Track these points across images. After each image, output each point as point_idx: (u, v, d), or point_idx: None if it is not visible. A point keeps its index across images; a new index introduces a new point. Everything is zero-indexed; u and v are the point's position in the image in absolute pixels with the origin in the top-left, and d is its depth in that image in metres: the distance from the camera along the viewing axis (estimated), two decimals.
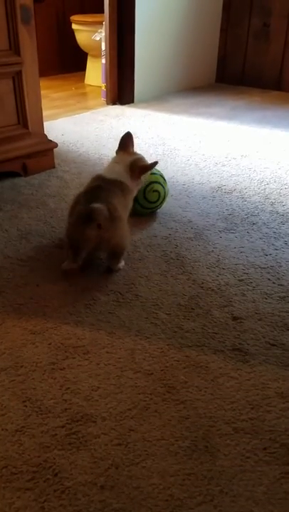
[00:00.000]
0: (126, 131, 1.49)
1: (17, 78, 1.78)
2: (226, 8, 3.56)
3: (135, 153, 1.48)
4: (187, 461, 0.81)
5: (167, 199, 1.68)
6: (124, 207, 1.33)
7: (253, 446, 0.84)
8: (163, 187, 1.61)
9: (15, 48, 1.74)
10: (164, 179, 1.64)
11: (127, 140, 1.48)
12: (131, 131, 1.50)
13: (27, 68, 1.79)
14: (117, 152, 1.48)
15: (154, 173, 1.60)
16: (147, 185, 1.57)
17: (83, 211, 1.22)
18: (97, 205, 1.20)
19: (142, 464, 0.80)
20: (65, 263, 1.31)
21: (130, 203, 1.42)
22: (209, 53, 3.67)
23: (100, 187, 1.29)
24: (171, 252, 1.43)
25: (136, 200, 1.54)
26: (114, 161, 1.45)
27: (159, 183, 1.60)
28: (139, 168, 1.40)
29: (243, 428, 0.87)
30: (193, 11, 3.33)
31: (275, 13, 3.37)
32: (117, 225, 1.25)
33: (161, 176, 1.63)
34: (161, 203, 1.64)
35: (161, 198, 1.62)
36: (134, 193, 1.45)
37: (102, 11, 2.95)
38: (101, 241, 1.24)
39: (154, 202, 1.61)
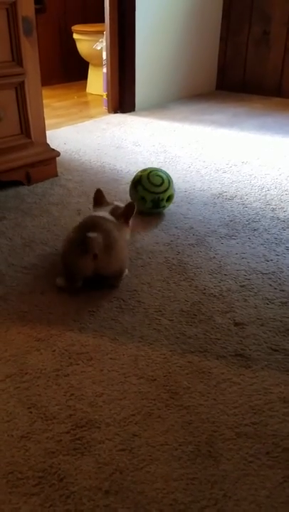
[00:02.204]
0: (96, 189, 1.45)
1: (20, 89, 1.81)
2: (226, 16, 3.60)
3: (110, 204, 1.43)
4: (191, 466, 0.82)
5: (171, 202, 1.72)
6: (119, 230, 1.31)
7: (256, 450, 0.84)
8: (168, 178, 1.68)
9: (17, 59, 1.77)
10: (171, 180, 1.70)
11: (98, 196, 1.44)
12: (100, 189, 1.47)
13: (29, 79, 1.82)
14: (94, 209, 1.44)
15: (161, 175, 1.66)
16: (150, 172, 1.67)
17: (78, 240, 1.21)
18: (92, 235, 1.18)
19: (146, 469, 0.81)
20: (59, 279, 1.29)
21: (126, 236, 1.39)
22: (210, 61, 3.71)
23: (94, 220, 1.28)
24: (173, 258, 1.44)
25: (140, 184, 1.65)
26: (95, 211, 1.41)
27: (161, 171, 1.69)
28: (122, 214, 1.37)
29: (246, 433, 0.88)
30: (193, 19, 3.36)
31: (275, 20, 3.41)
32: (113, 253, 1.23)
33: (168, 177, 1.70)
34: (164, 192, 1.66)
35: (164, 184, 1.65)
36: (128, 234, 1.41)
37: (103, 21, 2.99)
38: (97, 269, 1.23)
39: (158, 186, 1.65)
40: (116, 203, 1.44)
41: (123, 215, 1.37)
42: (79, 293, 1.27)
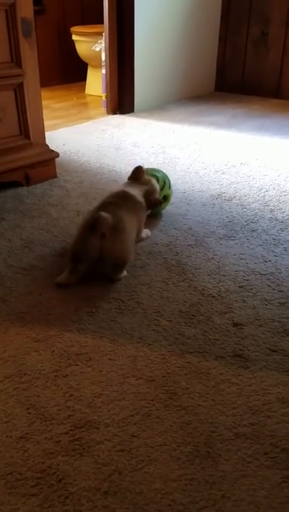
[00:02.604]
0: (136, 167, 1.56)
1: (19, 90, 1.81)
2: (225, 17, 3.61)
3: (148, 182, 1.55)
4: (189, 467, 0.82)
5: (169, 203, 1.72)
6: (132, 222, 1.36)
7: (254, 451, 0.85)
8: (163, 178, 1.68)
9: (16, 60, 1.77)
10: (168, 180, 1.71)
11: (137, 173, 1.55)
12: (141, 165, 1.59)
13: (28, 80, 1.82)
14: (129, 179, 1.56)
15: (156, 174, 1.66)
16: (147, 171, 1.66)
17: (89, 220, 1.27)
18: (103, 214, 1.23)
19: (144, 470, 0.81)
20: (61, 276, 1.30)
21: (141, 222, 1.47)
22: (208, 62, 3.71)
23: (112, 202, 1.36)
24: (172, 259, 1.44)
25: None
26: (131, 184, 1.52)
27: (158, 172, 1.70)
28: (150, 201, 1.49)
29: (244, 433, 0.88)
30: (192, 20, 3.37)
31: (274, 21, 3.42)
32: (120, 237, 1.27)
33: (166, 177, 1.70)
34: (160, 191, 1.66)
35: (160, 184, 1.66)
36: (144, 217, 1.51)
37: (101, 22, 3.00)
38: (102, 251, 1.25)
39: None
40: (151, 186, 1.54)
41: (150, 205, 1.49)
42: (78, 291, 1.27)
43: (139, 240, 1.48)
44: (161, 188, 1.67)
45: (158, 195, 1.56)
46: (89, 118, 3.08)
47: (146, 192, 1.48)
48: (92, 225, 1.24)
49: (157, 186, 1.57)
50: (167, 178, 1.71)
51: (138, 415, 0.91)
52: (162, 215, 1.73)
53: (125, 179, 1.88)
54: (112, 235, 1.24)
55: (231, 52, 3.69)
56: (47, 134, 2.02)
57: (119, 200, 1.38)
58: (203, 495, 0.78)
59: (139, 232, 1.45)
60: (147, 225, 1.65)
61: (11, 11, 1.69)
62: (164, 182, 1.68)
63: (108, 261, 1.28)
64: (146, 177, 1.56)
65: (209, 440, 0.86)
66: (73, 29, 3.69)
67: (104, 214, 1.24)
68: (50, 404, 0.93)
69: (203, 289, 1.30)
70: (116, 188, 1.49)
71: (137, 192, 1.45)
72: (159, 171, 1.72)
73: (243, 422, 0.90)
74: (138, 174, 1.54)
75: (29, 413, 0.91)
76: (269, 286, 1.31)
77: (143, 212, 1.47)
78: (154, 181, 1.56)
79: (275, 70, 3.53)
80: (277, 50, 3.48)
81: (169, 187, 1.71)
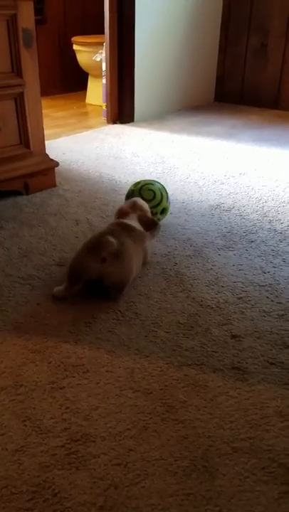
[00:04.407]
0: (119, 208, 1.48)
1: (19, 99, 1.82)
2: (224, 27, 3.64)
3: (134, 207, 1.48)
4: (186, 481, 0.81)
5: (166, 214, 1.71)
6: (136, 249, 1.33)
7: (252, 465, 0.84)
8: (160, 191, 1.66)
9: (17, 70, 1.78)
10: (166, 192, 1.69)
11: (121, 213, 1.46)
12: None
13: (29, 90, 1.83)
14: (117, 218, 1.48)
15: (153, 184, 1.66)
16: (143, 186, 1.66)
17: (93, 241, 1.25)
18: (109, 238, 1.21)
19: (141, 484, 0.80)
20: (58, 289, 1.29)
21: (146, 250, 1.43)
22: (208, 73, 3.74)
23: (115, 230, 1.31)
24: (170, 269, 1.44)
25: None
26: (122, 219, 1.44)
27: (153, 185, 1.68)
28: (146, 224, 1.42)
29: (242, 447, 0.87)
30: (192, 31, 3.40)
31: (273, 32, 3.44)
32: (121, 264, 1.24)
33: (162, 189, 1.69)
34: (157, 206, 1.65)
35: (156, 198, 1.64)
36: (149, 243, 1.46)
37: (102, 32, 3.02)
38: (101, 275, 1.23)
39: (150, 200, 1.63)
40: (138, 203, 1.48)
41: (147, 227, 1.42)
42: (76, 301, 1.26)
43: (144, 263, 1.44)
44: (159, 203, 1.65)
45: (149, 213, 1.51)
46: (89, 127, 3.09)
47: (140, 217, 1.43)
48: (94, 248, 1.22)
49: (144, 205, 1.52)
50: (164, 190, 1.69)
51: (135, 429, 0.90)
52: (161, 225, 1.73)
53: (125, 188, 1.88)
54: (114, 261, 1.22)
55: (231, 62, 3.72)
56: (47, 142, 2.03)
57: (123, 229, 1.33)
58: (199, 510, 0.77)
59: (145, 260, 1.43)
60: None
61: (12, 21, 1.70)
62: (162, 196, 1.66)
63: (107, 284, 1.26)
64: (130, 201, 1.50)
65: (206, 454, 0.86)
66: (74, 39, 3.72)
67: (110, 238, 1.22)
68: (47, 417, 0.92)
69: (202, 300, 1.30)
70: (109, 224, 1.42)
71: (133, 222, 1.40)
72: (155, 183, 1.70)
73: (241, 436, 0.89)
74: (123, 213, 1.45)
75: (25, 425, 0.91)
76: (268, 297, 1.31)
77: (146, 239, 1.42)
78: (139, 201, 1.51)
79: (274, 80, 3.55)
80: (276, 61, 3.50)
81: (167, 199, 1.70)
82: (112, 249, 1.21)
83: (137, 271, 1.36)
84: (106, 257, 1.21)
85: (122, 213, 1.44)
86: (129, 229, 1.35)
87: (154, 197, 1.64)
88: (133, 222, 1.40)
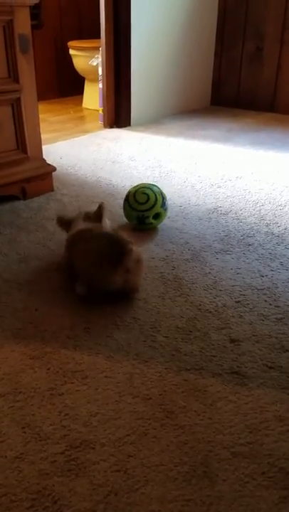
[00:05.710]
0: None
1: (16, 105, 1.82)
2: (220, 32, 3.65)
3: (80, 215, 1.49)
4: (186, 487, 0.81)
5: (162, 219, 1.72)
6: None
7: (252, 470, 0.84)
8: (155, 195, 1.66)
9: (14, 75, 1.78)
10: (163, 197, 1.69)
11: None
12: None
13: (25, 95, 1.83)
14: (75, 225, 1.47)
15: (150, 188, 1.67)
16: (139, 189, 1.68)
17: (109, 250, 1.15)
18: (132, 246, 1.13)
19: (141, 491, 0.80)
20: (81, 287, 1.25)
21: None
22: (204, 77, 3.75)
23: (117, 232, 1.27)
24: (168, 273, 1.44)
25: (127, 201, 1.68)
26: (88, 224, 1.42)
27: (150, 189, 1.68)
28: (97, 215, 1.42)
29: (242, 452, 0.87)
30: (188, 35, 3.41)
31: (268, 37, 3.46)
32: (141, 269, 1.22)
33: (159, 194, 1.69)
34: (149, 210, 1.65)
35: (150, 202, 1.64)
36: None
37: (98, 37, 3.03)
38: (126, 283, 1.20)
39: (143, 203, 1.64)
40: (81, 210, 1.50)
41: (97, 215, 1.41)
42: (74, 307, 1.26)
43: None
44: (152, 206, 1.65)
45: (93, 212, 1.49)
46: (86, 132, 3.09)
47: (84, 218, 1.42)
48: (116, 258, 1.13)
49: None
50: (160, 194, 1.69)
51: (134, 435, 0.90)
52: (158, 229, 1.73)
53: (122, 193, 1.88)
54: (135, 267, 1.18)
55: (227, 67, 3.73)
56: (44, 147, 2.03)
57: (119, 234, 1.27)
58: None
59: None
60: (144, 239, 1.65)
61: (8, 27, 1.71)
62: (156, 200, 1.65)
63: (127, 290, 1.25)
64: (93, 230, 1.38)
65: (206, 460, 0.85)
66: (70, 43, 3.73)
67: (131, 246, 1.13)
68: (46, 424, 0.92)
69: (200, 304, 1.30)
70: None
71: (89, 224, 1.37)
72: (152, 187, 1.69)
73: (241, 441, 0.89)
74: (65, 223, 1.49)
75: (24, 432, 0.90)
76: (266, 301, 1.31)
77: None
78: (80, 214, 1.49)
79: (269, 84, 3.57)
80: (271, 65, 3.52)
81: (163, 204, 1.68)
82: (132, 258, 1.17)
83: None
84: (129, 267, 1.19)
85: (66, 223, 1.47)
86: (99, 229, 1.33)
87: (148, 200, 1.65)
88: (89, 224, 1.38)
